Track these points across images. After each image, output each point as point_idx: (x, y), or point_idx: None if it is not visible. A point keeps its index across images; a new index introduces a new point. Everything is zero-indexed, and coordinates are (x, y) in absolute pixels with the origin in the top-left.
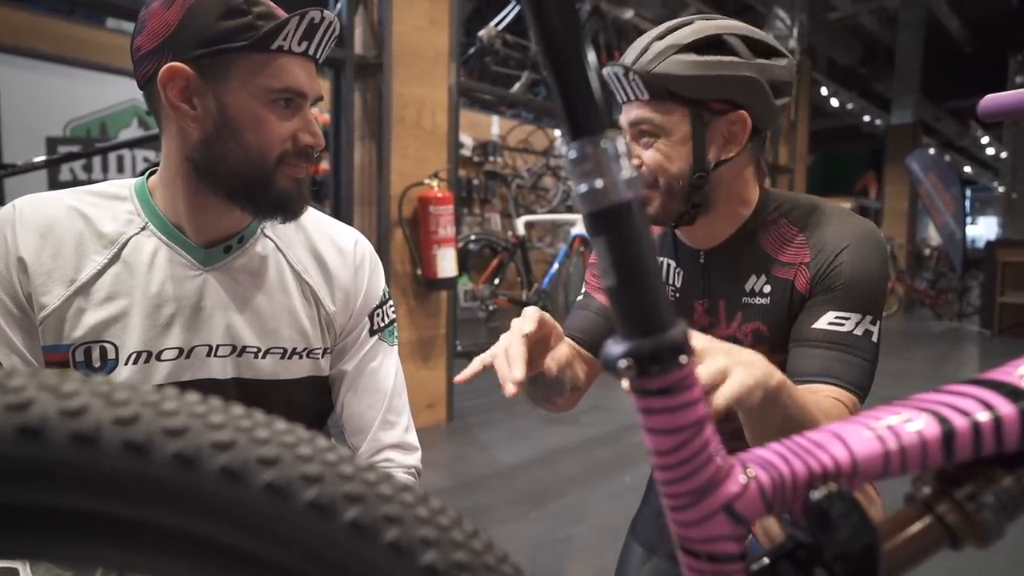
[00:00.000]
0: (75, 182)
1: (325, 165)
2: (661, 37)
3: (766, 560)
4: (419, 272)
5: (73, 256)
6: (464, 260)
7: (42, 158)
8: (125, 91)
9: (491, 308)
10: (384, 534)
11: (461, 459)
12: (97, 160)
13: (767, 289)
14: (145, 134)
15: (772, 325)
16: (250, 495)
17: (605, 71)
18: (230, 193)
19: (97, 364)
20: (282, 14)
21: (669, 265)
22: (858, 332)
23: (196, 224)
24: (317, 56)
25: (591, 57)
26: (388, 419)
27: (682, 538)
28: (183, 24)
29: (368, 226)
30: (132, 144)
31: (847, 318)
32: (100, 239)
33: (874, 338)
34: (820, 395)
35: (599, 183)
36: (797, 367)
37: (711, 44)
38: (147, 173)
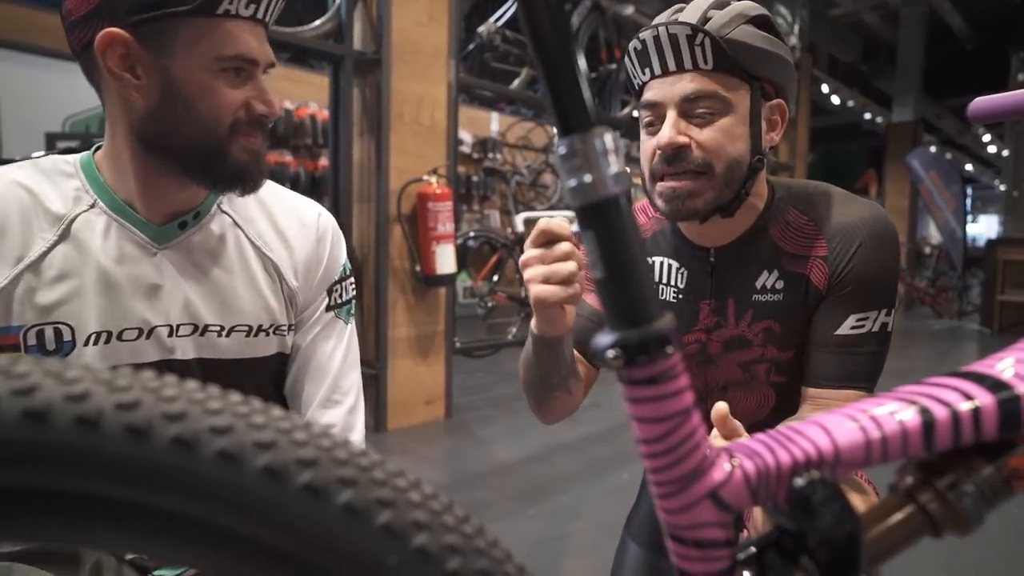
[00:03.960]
0: None
1: (324, 161)
2: (720, 6)
3: (753, 549)
4: (418, 269)
5: (19, 233)
6: (463, 257)
7: (41, 153)
8: None
9: (490, 305)
10: (377, 517)
11: (459, 455)
12: None
13: (779, 285)
14: None
15: (784, 322)
16: (246, 478)
17: (646, 33)
18: (184, 168)
19: (51, 347)
20: None
21: (671, 265)
22: (875, 329)
23: (147, 201)
24: (266, 20)
25: (582, 63)
26: (333, 398)
27: (670, 525)
28: None
29: (367, 222)
30: None
31: (866, 318)
32: (47, 215)
33: (888, 328)
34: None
35: (588, 178)
36: (816, 370)
37: (765, 23)
38: (93, 148)
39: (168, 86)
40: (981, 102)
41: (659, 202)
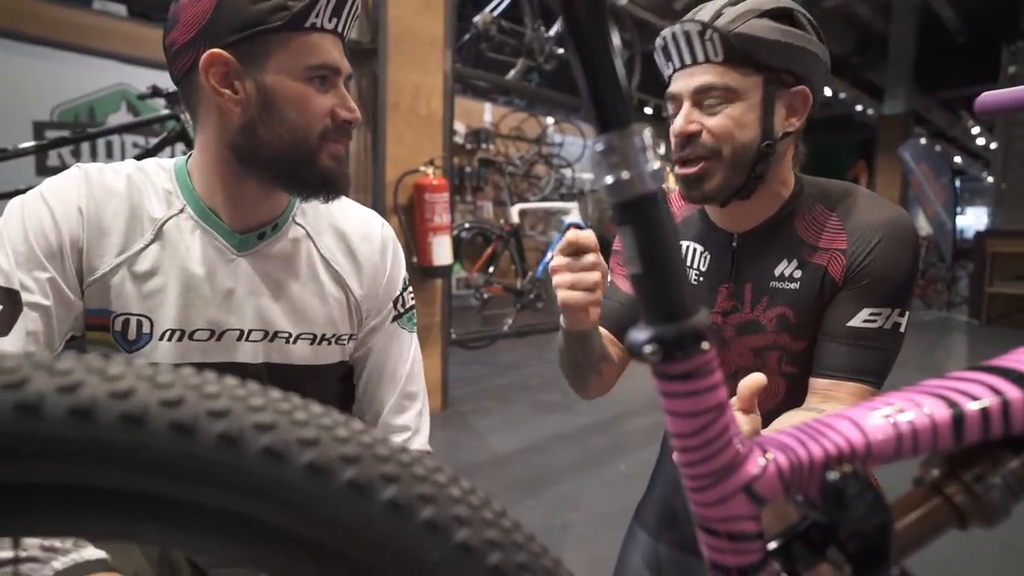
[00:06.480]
0: (63, 167)
1: None
2: (734, 3)
3: (782, 540)
4: (414, 260)
5: (126, 228)
6: (456, 248)
7: (31, 143)
8: (113, 75)
9: (485, 296)
10: (420, 512)
11: (456, 447)
12: (86, 145)
13: (797, 274)
14: (135, 120)
15: (798, 311)
16: (291, 474)
17: (667, 31)
18: (273, 175)
19: (132, 336)
20: None
21: (695, 249)
22: (887, 327)
23: (232, 211)
24: (344, 33)
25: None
26: (403, 404)
27: (702, 517)
28: (217, 12)
29: None
30: (121, 130)
31: (879, 314)
32: (148, 216)
33: (901, 329)
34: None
35: (625, 175)
36: (826, 361)
37: (784, 15)
38: (186, 157)
39: (263, 97)
40: (988, 96)
41: (680, 187)
